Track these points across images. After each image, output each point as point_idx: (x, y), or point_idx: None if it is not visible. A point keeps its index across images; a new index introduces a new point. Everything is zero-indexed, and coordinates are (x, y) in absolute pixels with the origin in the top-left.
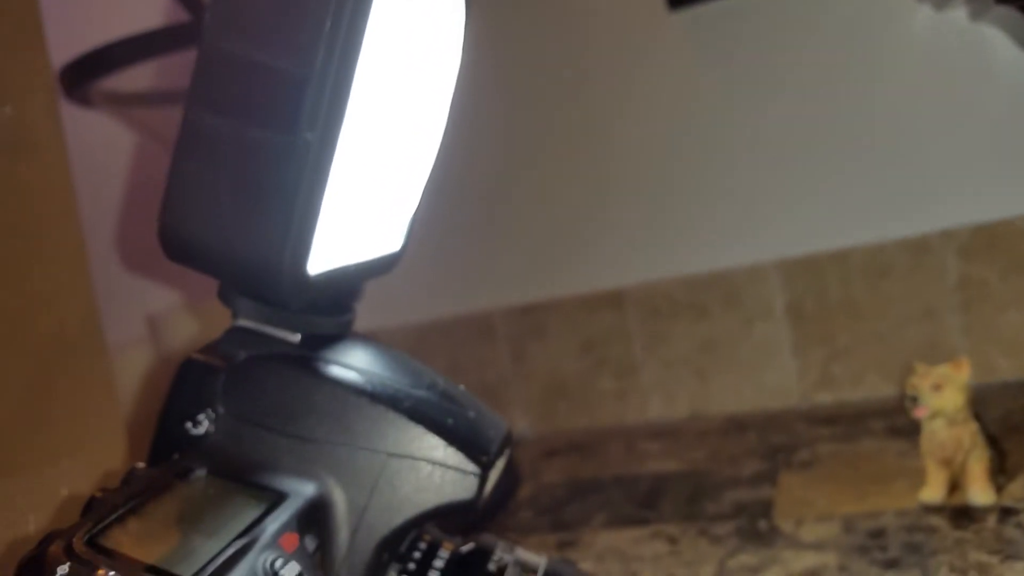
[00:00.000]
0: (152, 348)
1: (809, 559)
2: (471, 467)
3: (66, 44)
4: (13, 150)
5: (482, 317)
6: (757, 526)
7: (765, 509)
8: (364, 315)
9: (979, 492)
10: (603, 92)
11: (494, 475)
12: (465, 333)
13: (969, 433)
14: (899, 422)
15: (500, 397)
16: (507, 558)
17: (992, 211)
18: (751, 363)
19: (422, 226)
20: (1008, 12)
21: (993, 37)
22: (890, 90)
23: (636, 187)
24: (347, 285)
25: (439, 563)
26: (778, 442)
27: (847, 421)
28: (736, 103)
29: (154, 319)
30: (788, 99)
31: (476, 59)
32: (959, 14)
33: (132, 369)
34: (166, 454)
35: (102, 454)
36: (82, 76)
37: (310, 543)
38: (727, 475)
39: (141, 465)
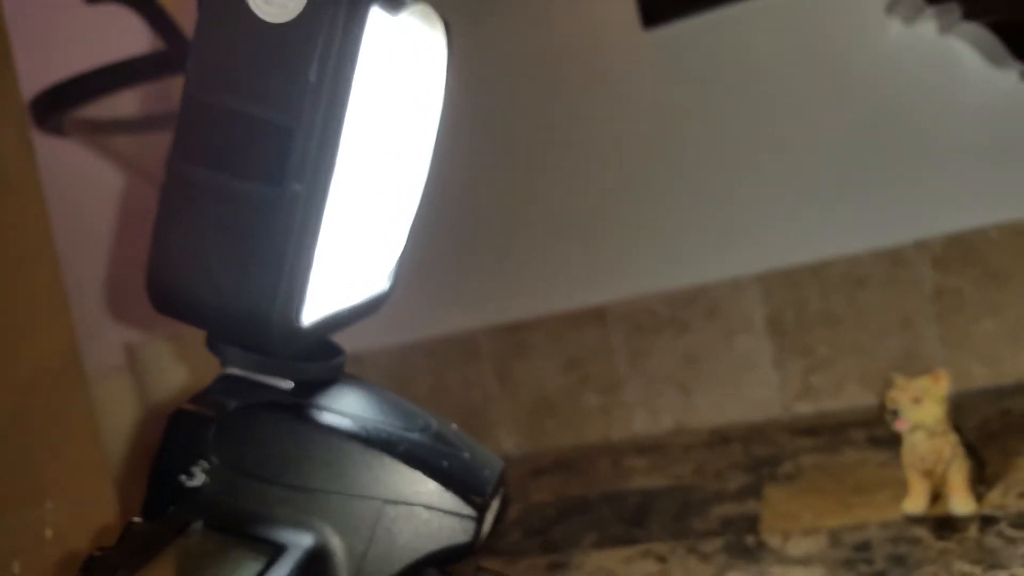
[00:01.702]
0: (131, 378)
1: (797, 574)
2: (467, 510)
3: (37, 75)
4: None
5: (466, 337)
6: (745, 542)
7: (752, 524)
8: (347, 338)
9: (960, 502)
10: (581, 111)
11: (490, 515)
12: (449, 353)
13: (949, 444)
14: (879, 432)
15: (485, 416)
16: None
17: (965, 221)
18: (733, 376)
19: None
20: (974, 27)
21: (961, 51)
22: (863, 103)
23: (616, 205)
24: (336, 329)
25: None
26: (762, 454)
27: (829, 431)
28: (712, 120)
29: (133, 348)
30: (763, 114)
31: (452, 83)
32: (928, 28)
33: (110, 399)
34: (161, 507)
35: (86, 494)
36: (54, 106)
37: None
38: (713, 490)
39: (137, 520)
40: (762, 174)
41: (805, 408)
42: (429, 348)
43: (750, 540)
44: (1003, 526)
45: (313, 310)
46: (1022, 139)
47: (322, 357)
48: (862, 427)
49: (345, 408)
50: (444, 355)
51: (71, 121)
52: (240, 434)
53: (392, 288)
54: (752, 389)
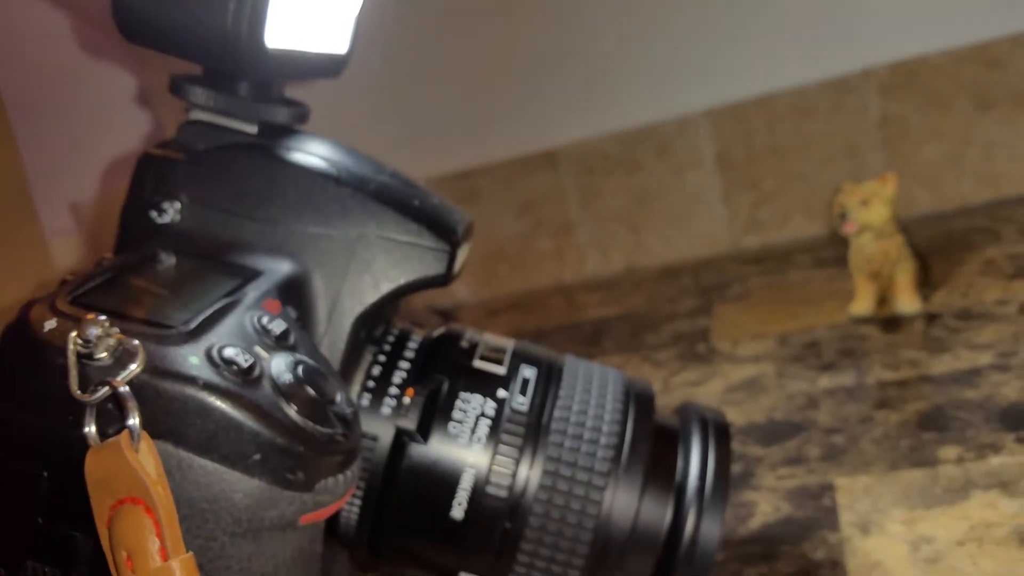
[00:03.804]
0: (81, 238)
1: (748, 370)
2: (441, 244)
3: None
4: None
5: None
6: (696, 349)
7: (703, 335)
8: None
9: (907, 302)
10: None
11: (462, 256)
12: None
13: (896, 245)
14: (824, 255)
15: None
16: (477, 338)
17: (909, 48)
18: (682, 213)
19: (348, 95)
20: None
21: None
22: None
23: (563, 43)
24: (298, 73)
25: (413, 344)
26: (711, 282)
27: (775, 259)
28: None
29: (79, 207)
30: None
31: None
32: None
33: (63, 262)
34: (132, 244)
35: None
36: None
37: (291, 312)
38: (664, 313)
39: (108, 255)
40: (707, 6)
41: (752, 241)
42: None
43: (701, 347)
44: (947, 319)
45: (278, 36)
46: None
47: (287, 104)
48: (807, 252)
49: (313, 150)
50: None
51: None
52: (210, 172)
53: (350, 54)
54: (701, 225)
